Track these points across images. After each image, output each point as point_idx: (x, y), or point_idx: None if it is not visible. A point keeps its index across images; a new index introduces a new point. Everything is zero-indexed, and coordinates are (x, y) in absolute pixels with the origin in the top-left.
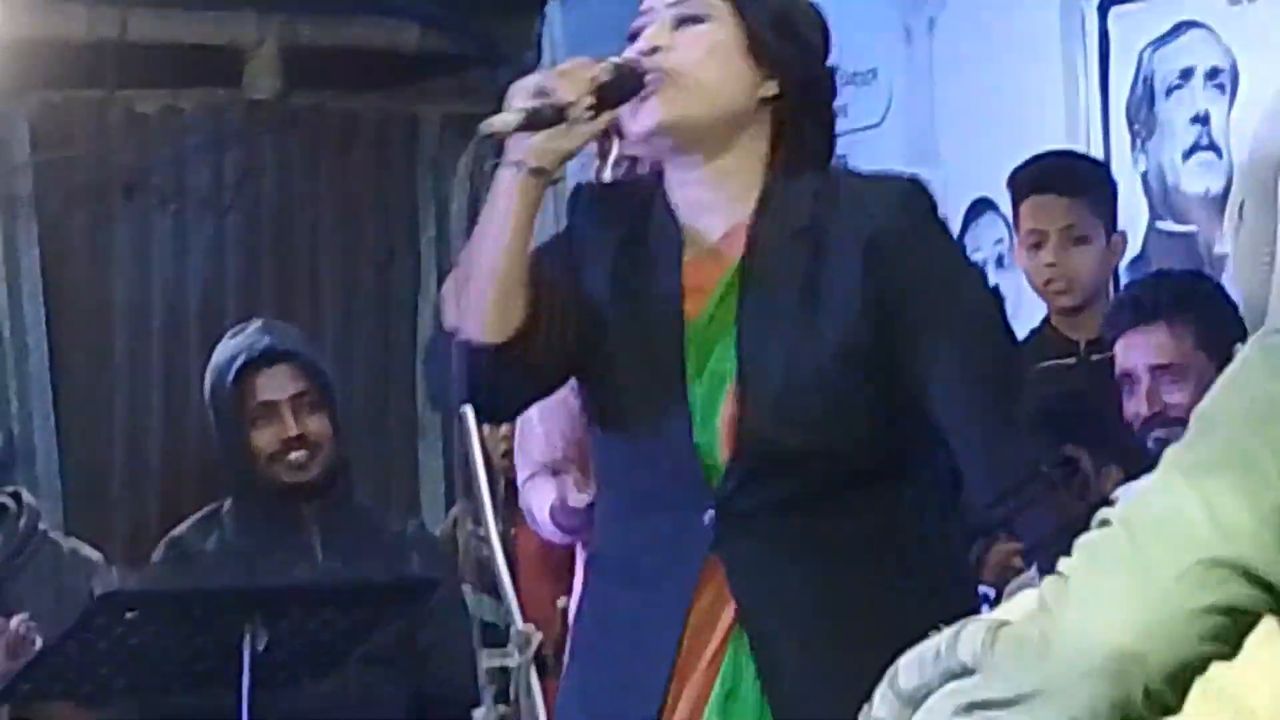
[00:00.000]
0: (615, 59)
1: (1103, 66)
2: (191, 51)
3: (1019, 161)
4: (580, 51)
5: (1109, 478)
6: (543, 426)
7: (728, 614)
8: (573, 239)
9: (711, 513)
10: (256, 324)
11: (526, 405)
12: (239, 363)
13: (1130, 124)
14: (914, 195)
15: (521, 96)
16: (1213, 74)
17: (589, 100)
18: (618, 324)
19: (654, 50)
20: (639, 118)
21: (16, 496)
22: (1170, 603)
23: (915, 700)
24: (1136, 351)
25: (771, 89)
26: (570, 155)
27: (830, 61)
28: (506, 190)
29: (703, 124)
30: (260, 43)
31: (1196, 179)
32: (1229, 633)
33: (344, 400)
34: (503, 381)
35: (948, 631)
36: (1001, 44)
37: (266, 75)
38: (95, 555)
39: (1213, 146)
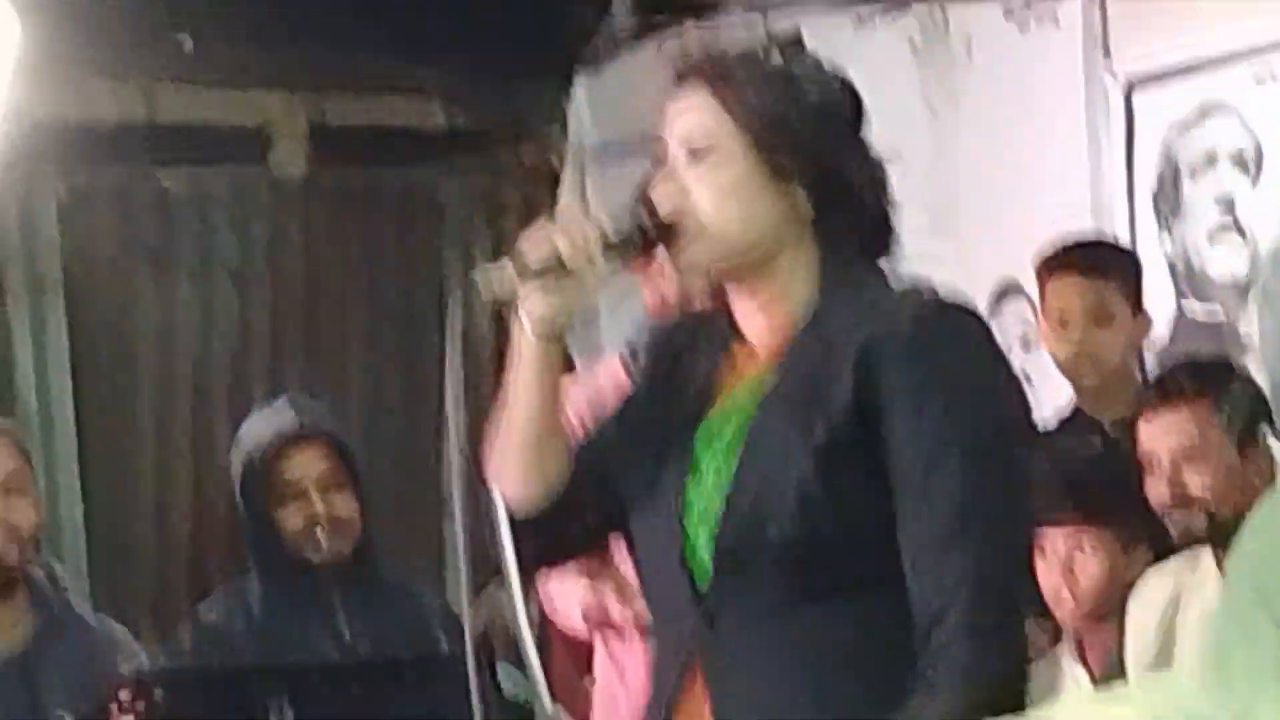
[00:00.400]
0: (625, 222)
1: (1128, 146)
2: (218, 130)
3: (1042, 239)
4: (605, 124)
5: (1137, 556)
6: None
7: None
8: (636, 386)
9: (694, 619)
10: (284, 400)
11: (576, 553)
12: (266, 442)
13: (1155, 205)
14: (929, 310)
15: (529, 248)
16: (1237, 156)
17: (596, 253)
18: (647, 426)
19: (670, 198)
20: (676, 266)
21: (50, 572)
22: None
23: None
24: (1158, 434)
25: (797, 195)
26: (583, 305)
27: (860, 139)
28: (524, 347)
29: (736, 260)
30: (287, 121)
31: (1221, 261)
32: None
33: (369, 475)
34: (541, 542)
35: None
36: (1025, 122)
37: (293, 153)
38: (124, 633)
39: (1237, 228)
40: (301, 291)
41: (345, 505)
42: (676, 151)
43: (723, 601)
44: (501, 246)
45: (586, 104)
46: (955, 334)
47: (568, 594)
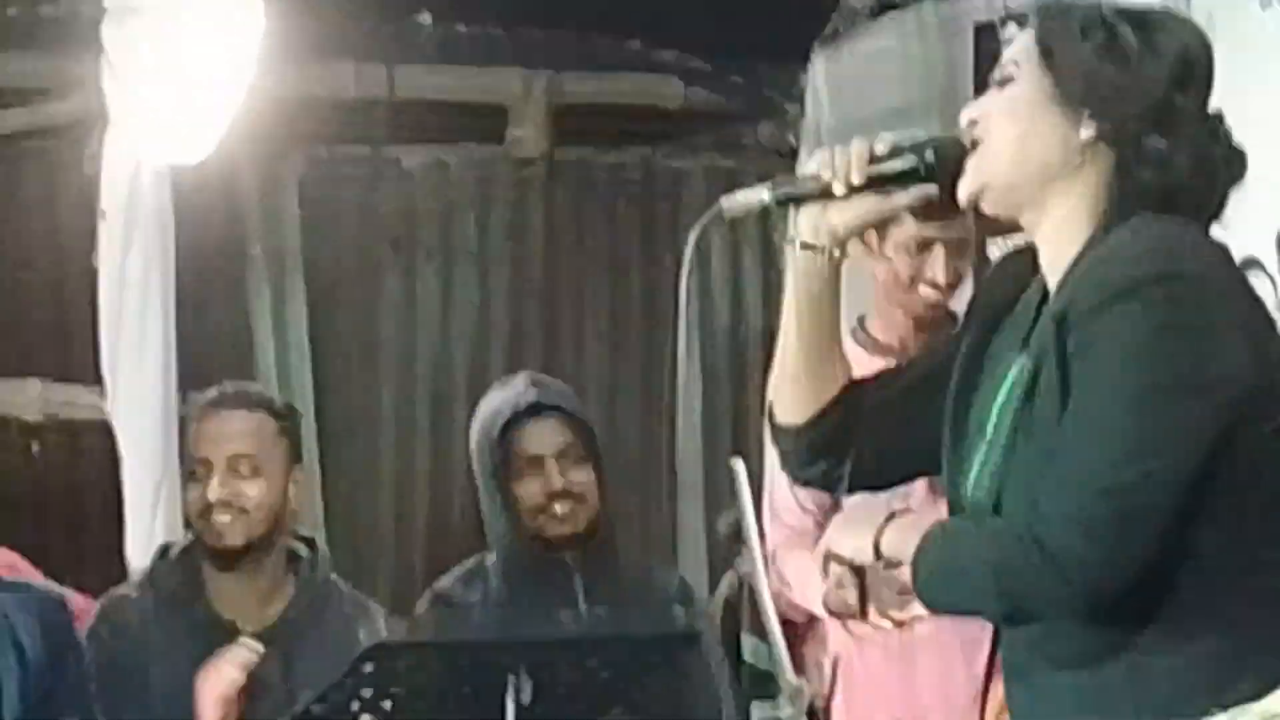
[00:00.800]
0: (905, 149)
1: None
2: (458, 108)
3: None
4: (842, 103)
5: None
6: (789, 485)
7: None
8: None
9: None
10: (523, 376)
11: (851, 489)
12: (505, 416)
13: None
14: (1125, 264)
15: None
16: None
17: (857, 177)
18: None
19: (971, 123)
20: (957, 197)
21: (311, 543)
22: None
23: None
24: None
25: (1089, 131)
26: (849, 230)
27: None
28: (789, 269)
29: (1013, 186)
30: (526, 99)
31: None
32: None
33: (607, 454)
34: (810, 462)
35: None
36: (1266, 100)
37: (532, 131)
38: (376, 605)
39: None
40: (540, 271)
41: (583, 480)
42: (994, 86)
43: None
44: (738, 224)
45: (824, 82)
46: (1146, 291)
47: (804, 575)
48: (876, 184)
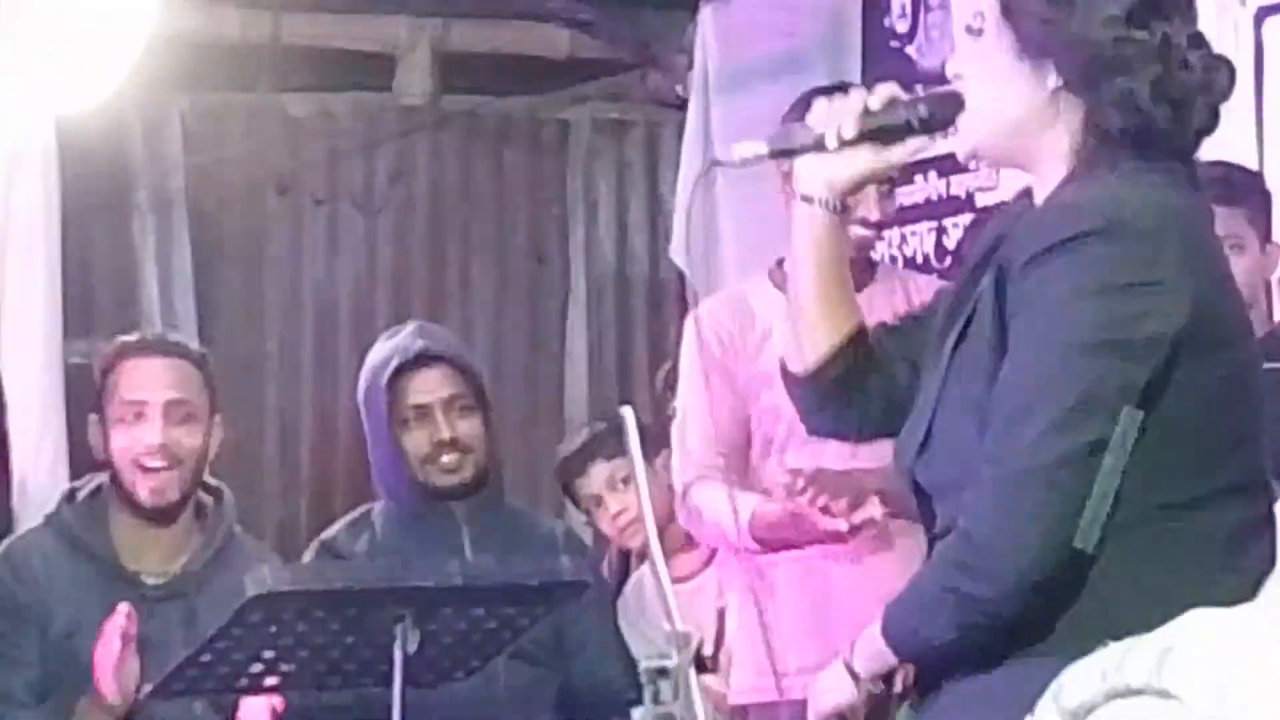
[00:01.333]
0: (898, 104)
1: (1257, 74)
2: (344, 55)
3: None
4: (731, 52)
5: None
6: (704, 426)
7: None
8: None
9: None
10: (411, 326)
11: (850, 434)
12: (393, 365)
13: None
14: (1064, 215)
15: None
16: None
17: (852, 130)
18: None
19: (956, 78)
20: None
21: (217, 493)
22: None
23: (1078, 716)
24: None
25: (1055, 81)
26: (850, 183)
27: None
28: (792, 221)
29: (998, 143)
30: (413, 47)
31: None
32: None
33: (494, 402)
34: (820, 408)
35: (1114, 650)
36: None
37: (419, 79)
38: (275, 557)
39: None
40: (427, 217)
41: (471, 429)
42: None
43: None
44: (626, 173)
45: (712, 32)
46: (1081, 243)
47: (718, 506)
48: (871, 138)
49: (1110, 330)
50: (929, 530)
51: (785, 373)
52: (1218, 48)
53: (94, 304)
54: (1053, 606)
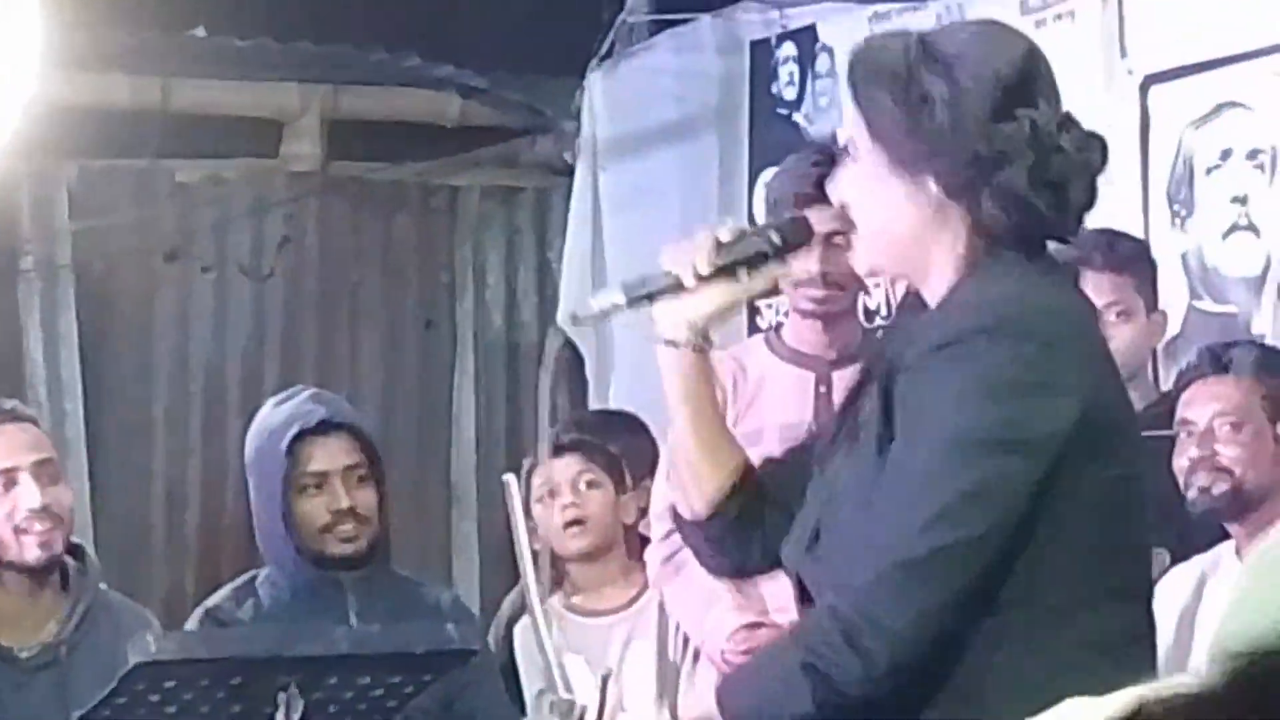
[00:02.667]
0: (750, 234)
1: (1143, 143)
2: (233, 121)
3: None
4: (619, 119)
5: (1156, 562)
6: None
7: None
8: None
9: None
10: (306, 392)
11: (759, 569)
12: (293, 431)
13: (1170, 203)
14: (951, 318)
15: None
16: (1252, 154)
17: (705, 267)
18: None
19: (843, 205)
20: (826, 264)
21: (78, 553)
22: None
23: None
24: (1202, 399)
25: (934, 189)
26: (708, 320)
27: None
28: (661, 367)
29: (892, 259)
30: (302, 113)
31: (1235, 259)
32: None
33: (384, 477)
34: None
35: None
36: None
37: (308, 145)
38: (150, 616)
39: (1251, 227)
40: (316, 285)
41: (368, 499)
42: (838, 188)
43: None
44: (515, 240)
45: (601, 99)
46: (969, 344)
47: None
48: (726, 272)
49: (999, 429)
50: None
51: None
52: (1106, 116)
53: None
54: (914, 697)
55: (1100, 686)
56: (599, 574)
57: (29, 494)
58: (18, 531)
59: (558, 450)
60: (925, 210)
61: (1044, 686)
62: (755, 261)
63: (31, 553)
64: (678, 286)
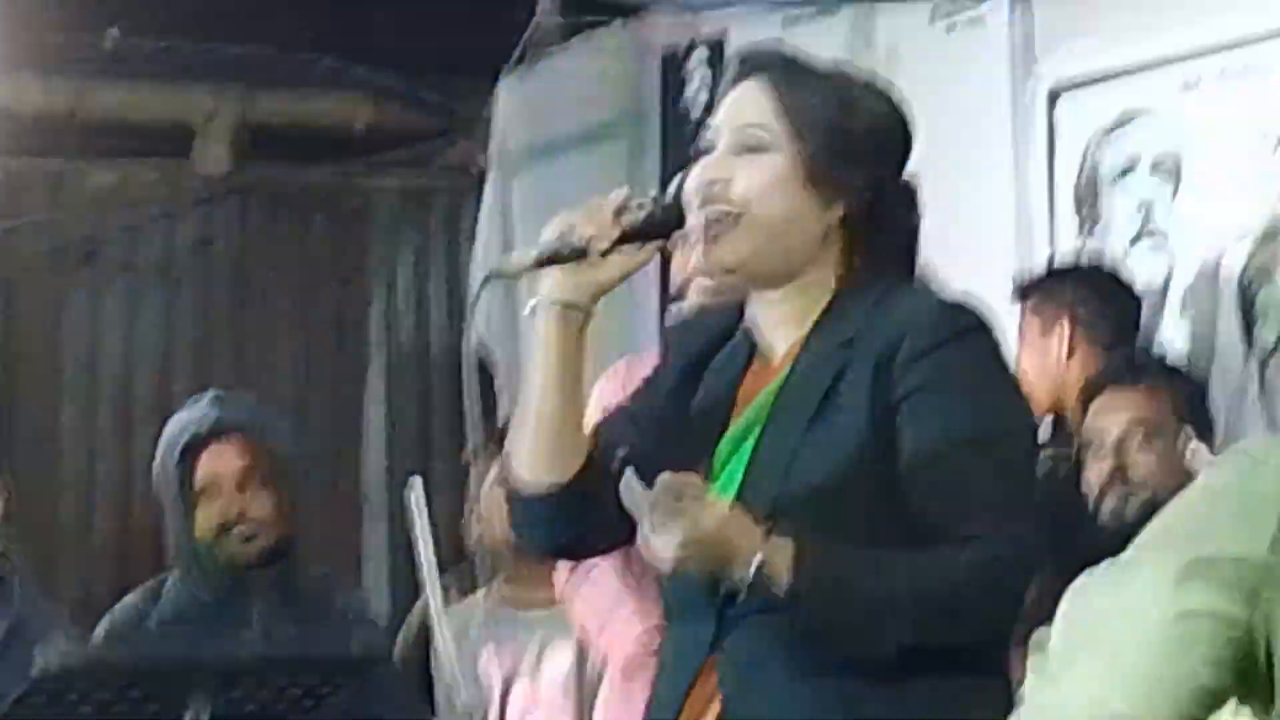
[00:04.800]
0: (655, 194)
1: (1050, 152)
2: (145, 124)
3: (963, 244)
4: (531, 125)
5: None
6: None
7: (714, 709)
8: (657, 379)
9: (712, 618)
10: (209, 395)
11: (597, 549)
12: (186, 437)
13: (1077, 210)
14: (947, 314)
15: (547, 233)
16: (1159, 162)
17: (613, 235)
18: (670, 438)
19: (713, 183)
20: (707, 258)
21: (7, 561)
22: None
23: None
24: (1111, 410)
25: (838, 212)
26: (604, 288)
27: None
28: (542, 329)
29: (770, 261)
30: (213, 117)
31: (1140, 268)
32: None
33: (295, 473)
34: (564, 522)
35: None
36: (949, 125)
37: (219, 149)
38: (63, 619)
39: (1156, 234)
40: (228, 289)
41: (263, 504)
42: (727, 140)
43: (733, 601)
44: (428, 245)
45: (513, 104)
46: (970, 337)
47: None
48: (624, 240)
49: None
50: None
51: (520, 492)
52: (1012, 124)
53: None
54: None
55: None
56: (535, 566)
57: None
58: None
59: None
60: (822, 226)
61: None
62: (646, 234)
63: None
64: (583, 253)
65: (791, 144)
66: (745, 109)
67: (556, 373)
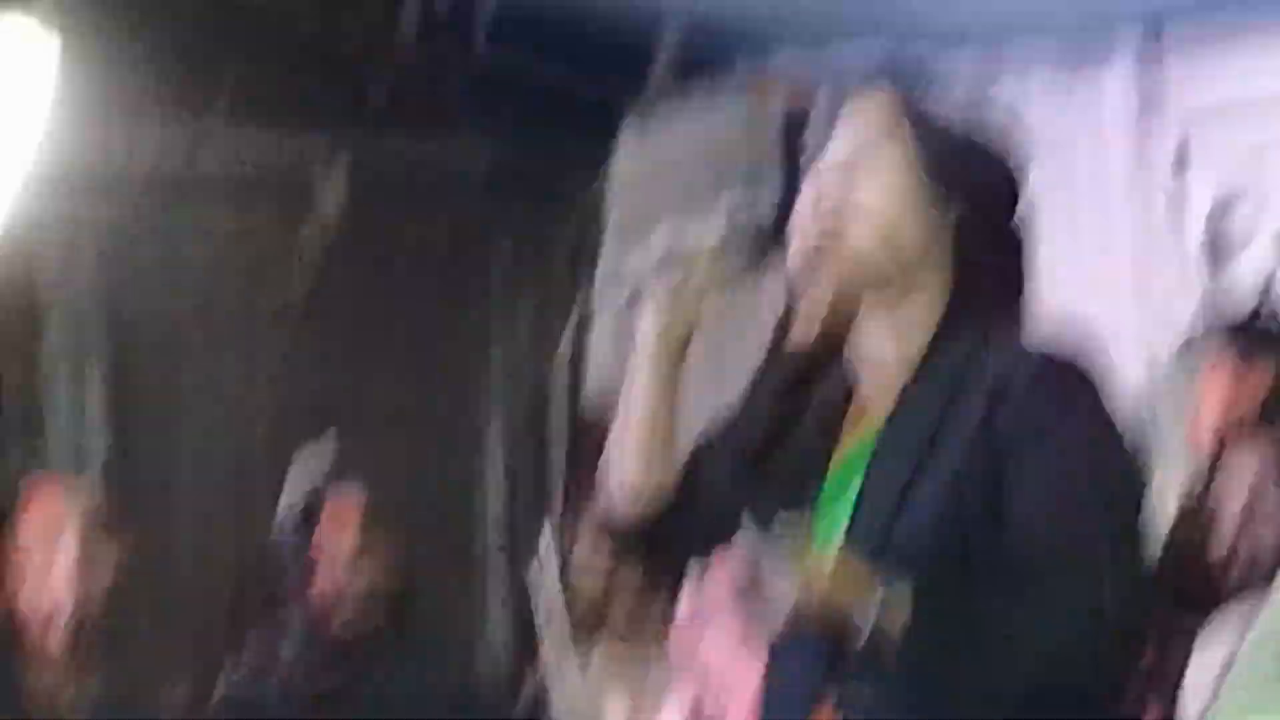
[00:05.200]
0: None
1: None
2: (261, 171)
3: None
4: (649, 175)
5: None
6: None
7: None
8: (754, 409)
9: (823, 655)
10: (328, 446)
11: (685, 563)
12: (300, 509)
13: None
14: (1053, 372)
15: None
16: None
17: (708, 259)
18: (769, 475)
19: (829, 182)
20: (822, 255)
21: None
22: None
23: None
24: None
25: (951, 214)
26: (696, 313)
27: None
28: (640, 354)
29: (880, 269)
30: (331, 162)
31: None
32: None
33: (410, 534)
34: (651, 548)
35: None
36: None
37: (336, 195)
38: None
39: None
40: (347, 336)
41: (377, 564)
42: (846, 151)
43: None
44: (550, 289)
45: (633, 153)
46: (1077, 388)
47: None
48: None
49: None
50: None
51: (612, 523)
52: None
53: None
54: None
55: None
56: (639, 615)
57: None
58: None
59: None
60: (936, 245)
61: None
62: (761, 246)
63: None
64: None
65: (907, 151)
66: (868, 118)
67: (653, 396)
